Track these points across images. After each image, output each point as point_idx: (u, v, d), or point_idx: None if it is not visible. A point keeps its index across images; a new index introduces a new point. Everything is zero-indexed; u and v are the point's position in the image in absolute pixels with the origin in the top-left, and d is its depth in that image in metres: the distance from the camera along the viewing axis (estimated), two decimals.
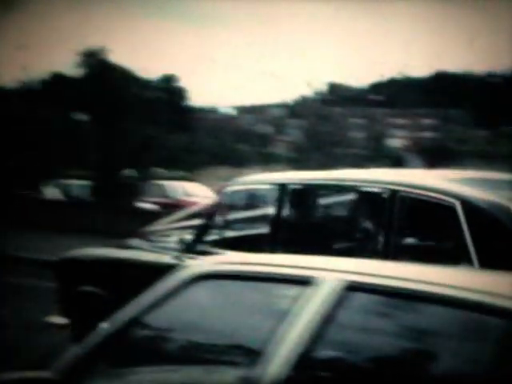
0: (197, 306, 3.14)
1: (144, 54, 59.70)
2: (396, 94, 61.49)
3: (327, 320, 2.62)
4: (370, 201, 5.99)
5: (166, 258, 7.10)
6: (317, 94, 58.31)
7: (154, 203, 24.42)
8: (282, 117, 65.65)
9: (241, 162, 45.32)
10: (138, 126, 27.61)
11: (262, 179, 7.16)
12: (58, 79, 39.36)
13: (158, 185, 27.32)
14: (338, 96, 58.49)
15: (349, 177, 6.40)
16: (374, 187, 5.94)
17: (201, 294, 3.12)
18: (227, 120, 66.57)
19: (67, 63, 36.63)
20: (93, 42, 31.68)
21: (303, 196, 6.63)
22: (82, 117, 32.79)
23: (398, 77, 65.82)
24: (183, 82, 46.55)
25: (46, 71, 40.92)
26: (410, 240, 5.75)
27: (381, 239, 5.72)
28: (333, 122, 48.65)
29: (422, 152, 47.12)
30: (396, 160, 42.13)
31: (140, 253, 7.55)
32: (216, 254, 6.55)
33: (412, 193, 5.65)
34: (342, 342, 2.66)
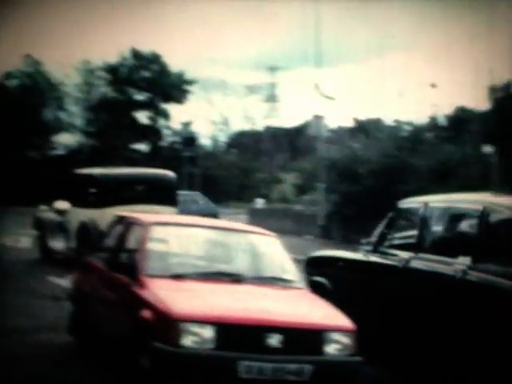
0: None
1: None
2: None
3: None
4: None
5: (359, 256, 9.53)
6: None
7: None
8: None
9: None
10: None
11: (417, 200, 9.13)
12: (463, 113, 39.47)
13: None
14: None
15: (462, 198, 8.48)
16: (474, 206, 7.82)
17: None
18: None
19: (473, 97, 36.53)
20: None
21: (438, 212, 8.50)
22: (488, 149, 32.30)
23: None
24: None
25: (452, 106, 41.17)
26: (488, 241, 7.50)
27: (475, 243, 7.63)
28: None
29: None
30: None
31: (350, 253, 9.97)
32: (390, 254, 8.93)
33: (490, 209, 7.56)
34: None
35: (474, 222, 7.75)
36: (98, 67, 61.17)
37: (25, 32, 74.93)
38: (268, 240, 8.55)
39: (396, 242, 9.14)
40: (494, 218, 7.48)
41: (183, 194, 33.60)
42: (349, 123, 60.42)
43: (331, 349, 6.82)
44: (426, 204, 8.67)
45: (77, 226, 17.04)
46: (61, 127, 59.83)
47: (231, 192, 59.67)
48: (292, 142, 66.93)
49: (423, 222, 8.56)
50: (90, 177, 17.82)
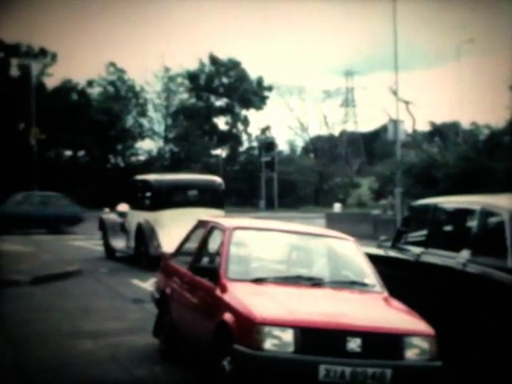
0: None
1: None
2: None
3: None
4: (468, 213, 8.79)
5: (380, 251, 10.30)
6: None
7: None
8: None
9: None
10: None
11: (428, 200, 10.13)
12: None
13: None
14: None
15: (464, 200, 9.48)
16: (473, 207, 8.69)
17: None
18: None
19: None
20: None
21: (445, 212, 9.50)
22: None
23: None
24: None
25: None
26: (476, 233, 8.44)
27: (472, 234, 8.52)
28: None
29: None
30: None
31: (373, 249, 10.47)
32: (405, 249, 9.83)
33: (482, 208, 8.41)
34: None
35: (473, 220, 8.66)
36: (177, 74, 61.89)
37: (107, 40, 76.59)
38: (346, 244, 8.52)
39: (412, 238, 10.08)
40: (489, 216, 8.41)
41: (41, 195, 32.38)
42: (425, 127, 59.76)
43: (411, 353, 6.75)
44: (435, 204, 9.68)
45: (135, 227, 18.66)
46: (142, 134, 60.75)
47: (308, 196, 59.60)
48: (368, 147, 66.50)
49: (432, 221, 9.51)
50: (146, 182, 19.51)
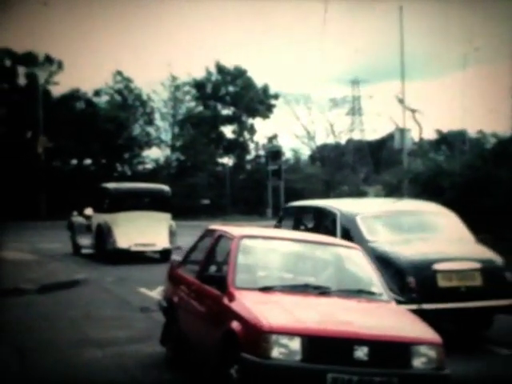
0: None
1: None
2: None
3: None
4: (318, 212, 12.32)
5: None
6: None
7: None
8: None
9: None
10: None
11: (295, 203, 14.30)
12: None
13: None
14: None
15: (316, 203, 13.12)
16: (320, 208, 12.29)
17: None
18: None
19: None
20: None
21: (304, 212, 13.00)
22: None
23: None
24: None
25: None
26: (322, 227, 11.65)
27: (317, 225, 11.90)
28: None
29: None
30: None
31: None
32: None
33: (324, 209, 12.06)
34: None
35: (320, 217, 11.95)
36: (184, 83, 61.93)
37: (114, 49, 76.79)
38: (353, 253, 8.54)
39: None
40: (329, 215, 11.57)
41: None
42: (432, 135, 59.68)
43: (418, 362, 6.75)
44: (298, 206, 13.44)
45: (96, 227, 22.23)
46: (149, 142, 60.77)
47: None
48: (375, 155, 66.46)
49: (295, 218, 12.69)
50: (106, 189, 23.20)
